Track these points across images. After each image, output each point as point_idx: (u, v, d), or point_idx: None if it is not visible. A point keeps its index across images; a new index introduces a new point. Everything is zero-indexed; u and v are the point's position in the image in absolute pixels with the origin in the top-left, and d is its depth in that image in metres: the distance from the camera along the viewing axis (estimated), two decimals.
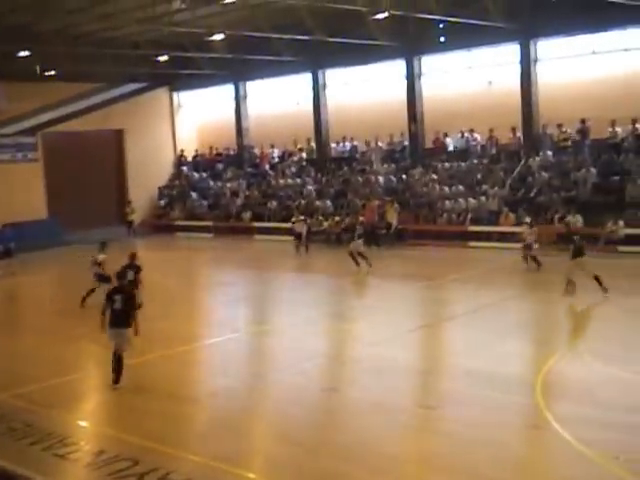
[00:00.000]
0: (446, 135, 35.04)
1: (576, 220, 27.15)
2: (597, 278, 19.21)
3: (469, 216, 30.92)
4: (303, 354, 15.60)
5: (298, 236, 31.49)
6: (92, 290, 20.65)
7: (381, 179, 35.58)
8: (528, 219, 26.20)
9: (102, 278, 20.39)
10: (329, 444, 10.88)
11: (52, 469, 10.38)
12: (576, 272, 19.39)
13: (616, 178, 29.19)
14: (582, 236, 20.83)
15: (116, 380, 13.73)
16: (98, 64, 36.32)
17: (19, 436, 11.62)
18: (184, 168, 44.57)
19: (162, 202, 43.25)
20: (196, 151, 44.89)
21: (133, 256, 18.96)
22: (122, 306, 13.83)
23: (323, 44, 33.63)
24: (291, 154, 40.73)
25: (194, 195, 42.12)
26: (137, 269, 18.72)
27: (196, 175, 43.84)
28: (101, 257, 21.42)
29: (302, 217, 32.40)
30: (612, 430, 10.60)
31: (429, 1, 28.83)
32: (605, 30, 30.26)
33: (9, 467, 7.94)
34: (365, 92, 37.77)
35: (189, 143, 45.11)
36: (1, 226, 34.00)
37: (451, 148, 35.00)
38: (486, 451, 10.12)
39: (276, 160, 41.27)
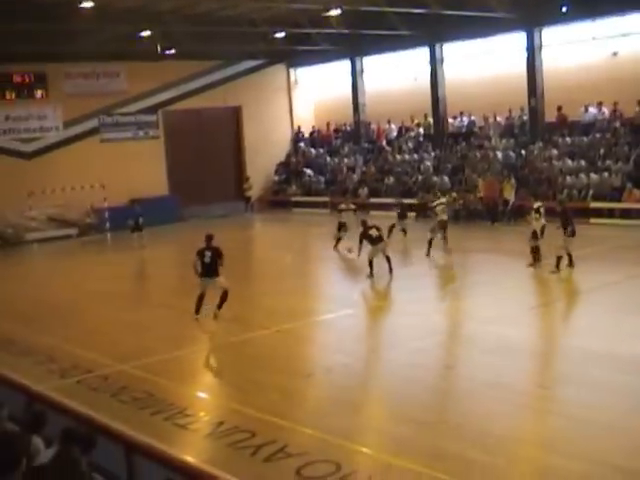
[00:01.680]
0: (571, 109, 34.02)
1: None
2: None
3: (590, 192, 30.04)
4: (419, 331, 15.50)
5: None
6: None
7: (499, 155, 34.93)
8: None
9: None
10: (443, 422, 10.80)
11: (173, 438, 10.66)
12: None
13: None
14: None
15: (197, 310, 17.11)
16: (216, 42, 36.81)
17: (141, 405, 11.99)
18: (301, 144, 44.85)
19: (279, 178, 43.68)
20: (313, 127, 45.09)
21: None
22: (210, 260, 16.88)
23: (440, 17, 33.14)
24: (408, 130, 40.42)
25: (310, 171, 42.35)
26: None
27: (313, 151, 44.06)
28: None
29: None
30: None
31: None
32: None
33: (133, 435, 8.18)
34: (483, 66, 37.07)
35: (306, 119, 45.34)
36: (129, 201, 35.05)
37: (581, 121, 33.87)
38: (606, 436, 9.84)
39: (393, 136, 41.03)
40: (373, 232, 21.13)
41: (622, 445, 9.55)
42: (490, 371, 12.64)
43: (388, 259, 21.04)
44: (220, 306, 17.15)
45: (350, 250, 23.59)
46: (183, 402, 12.09)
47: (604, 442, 9.64)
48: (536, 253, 21.07)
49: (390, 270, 20.87)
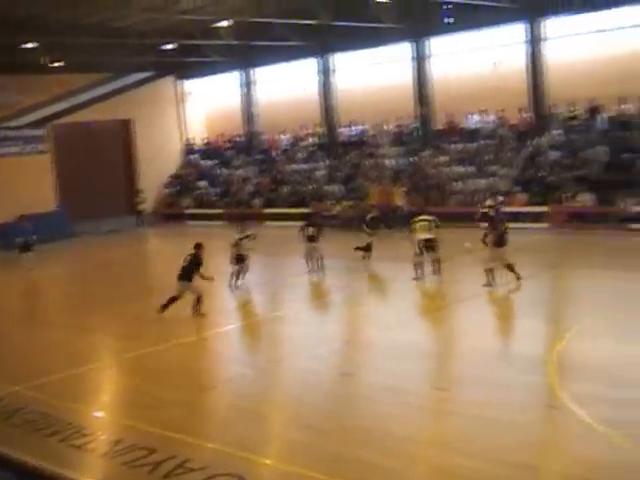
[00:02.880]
0: (459, 117, 34.87)
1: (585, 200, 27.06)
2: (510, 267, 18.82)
3: (479, 197, 30.79)
4: (318, 339, 15.60)
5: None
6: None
7: (390, 162, 35.49)
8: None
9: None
10: (344, 428, 10.89)
11: (69, 460, 10.42)
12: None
13: (627, 155, 29.04)
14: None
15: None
16: (105, 54, 36.30)
17: (36, 427, 11.67)
18: (193, 156, 44.58)
19: (171, 191, 43.25)
20: (205, 139, 44.89)
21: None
22: (187, 265, 17.97)
23: (330, 28, 33.55)
24: (300, 139, 40.66)
25: (203, 183, 42.13)
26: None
27: (205, 163, 43.85)
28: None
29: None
30: (627, 408, 10.58)
31: None
32: (611, 7, 30.10)
33: (27, 460, 7.95)
34: (373, 75, 37.64)
35: (198, 131, 45.13)
36: (18, 218, 33.92)
37: (467, 128, 34.75)
38: (502, 432, 10.11)
39: (286, 146, 41.20)
40: (309, 231, 22.73)
41: (508, 440, 9.83)
42: (389, 375, 12.81)
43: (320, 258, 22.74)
44: (195, 309, 17.98)
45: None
46: (80, 422, 11.82)
47: (500, 439, 9.91)
48: (419, 268, 20.79)
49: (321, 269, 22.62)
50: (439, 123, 35.84)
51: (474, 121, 34.47)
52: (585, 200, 27.42)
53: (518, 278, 18.68)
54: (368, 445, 10.09)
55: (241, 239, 21.70)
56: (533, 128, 32.57)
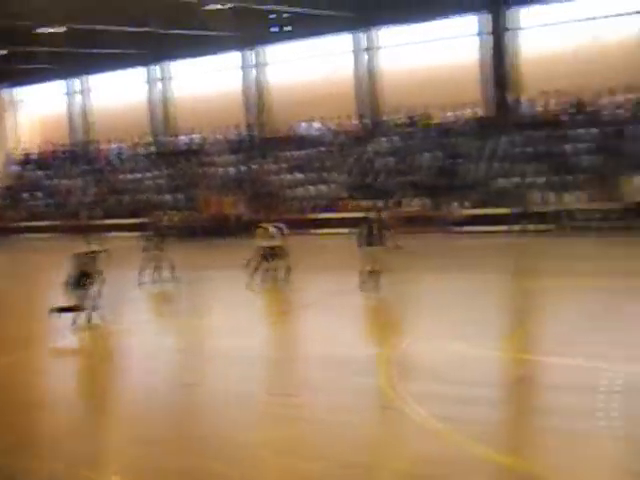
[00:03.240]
0: (294, 124, 35.32)
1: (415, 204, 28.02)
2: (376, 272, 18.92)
3: (313, 203, 31.32)
4: (157, 350, 15.43)
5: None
6: None
7: (226, 170, 35.54)
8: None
9: None
10: (187, 440, 10.82)
11: None
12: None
13: (456, 161, 30.28)
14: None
15: None
16: None
17: None
18: (21, 167, 43.07)
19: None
20: (33, 148, 43.46)
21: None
22: None
23: (161, 37, 33.31)
24: (134, 148, 40.09)
25: (31, 194, 40.73)
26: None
27: (35, 173, 42.46)
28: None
29: None
30: (455, 404, 11.05)
31: None
32: (436, 19, 31.36)
33: None
34: (207, 84, 37.61)
35: (28, 140, 43.65)
36: None
37: (300, 135, 35.25)
38: (343, 435, 10.32)
39: (119, 155, 40.50)
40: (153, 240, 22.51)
41: (347, 441, 10.10)
42: (232, 383, 12.82)
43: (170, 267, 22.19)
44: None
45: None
46: None
47: (340, 441, 10.13)
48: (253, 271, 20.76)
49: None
50: (273, 131, 36.18)
51: (308, 129, 34.99)
52: (415, 204, 28.35)
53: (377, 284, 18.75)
54: (212, 455, 10.08)
55: (91, 253, 17.96)
56: (366, 135, 33.41)
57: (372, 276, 18.83)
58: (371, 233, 19.07)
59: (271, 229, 21.13)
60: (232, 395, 12.22)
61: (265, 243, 20.83)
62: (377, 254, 18.92)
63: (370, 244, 18.91)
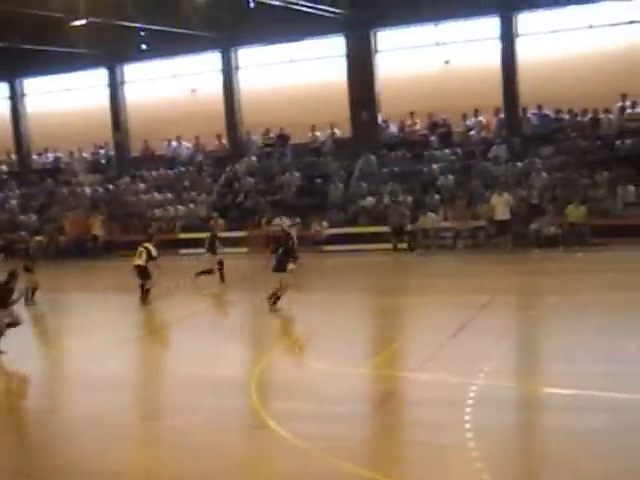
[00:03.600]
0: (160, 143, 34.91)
1: (282, 223, 28.04)
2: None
3: (179, 223, 30.98)
4: (13, 377, 14.82)
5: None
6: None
7: (87, 190, 34.73)
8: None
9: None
10: (45, 469, 10.42)
11: None
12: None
13: (318, 180, 30.58)
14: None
15: None
16: None
17: None
18: None
19: None
20: None
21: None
22: None
23: (20, 52, 32.24)
24: None
25: None
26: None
27: None
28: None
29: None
30: (325, 422, 11.08)
31: (129, 8, 28.57)
32: (299, 40, 31.72)
33: None
34: (68, 101, 36.74)
35: None
36: None
37: (165, 155, 34.85)
38: (209, 457, 10.16)
39: None
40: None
41: (212, 463, 9.95)
42: (92, 408, 12.41)
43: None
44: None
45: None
46: None
47: (205, 464, 9.96)
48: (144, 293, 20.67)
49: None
50: (136, 150, 35.67)
51: (172, 148, 34.67)
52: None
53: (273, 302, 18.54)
54: None
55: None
56: (230, 154, 33.36)
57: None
58: None
59: (140, 248, 20.76)
60: (95, 421, 11.83)
61: (136, 262, 20.64)
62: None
63: None
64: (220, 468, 9.80)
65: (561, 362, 11.84)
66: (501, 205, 25.92)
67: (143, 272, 20.55)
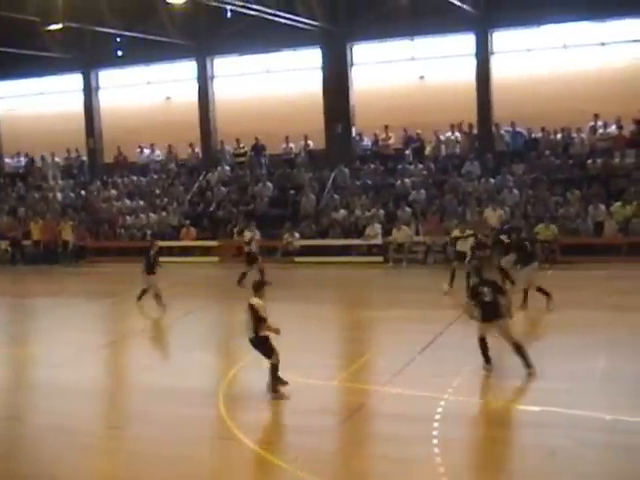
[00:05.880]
0: (132, 150, 34.75)
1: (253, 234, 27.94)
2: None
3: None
4: None
5: None
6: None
7: (59, 195, 34.48)
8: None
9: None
10: (12, 475, 10.29)
11: None
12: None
13: (291, 192, 30.58)
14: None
15: None
16: None
17: None
18: None
19: None
20: None
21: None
22: None
23: None
24: None
25: None
26: None
27: None
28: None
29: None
30: (291, 434, 11.05)
31: (105, 14, 28.49)
32: (275, 51, 31.82)
33: None
34: (41, 105, 36.53)
35: None
36: None
37: (138, 162, 34.71)
38: (172, 467, 10.09)
39: None
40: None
41: (178, 473, 9.89)
42: (56, 416, 12.30)
43: None
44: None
45: None
46: None
47: (170, 474, 9.90)
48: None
49: None
50: (109, 156, 35.51)
51: (144, 155, 34.54)
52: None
53: None
54: None
55: None
56: (203, 163, 33.30)
57: None
58: None
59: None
60: (60, 429, 11.72)
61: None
62: None
63: None
64: (183, 477, 9.74)
65: (527, 379, 11.90)
66: (495, 220, 25.87)
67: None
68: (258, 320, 12.41)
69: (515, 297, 16.56)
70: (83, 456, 10.86)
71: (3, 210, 34.66)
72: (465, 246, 20.79)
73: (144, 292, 20.32)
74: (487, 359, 13.01)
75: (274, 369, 12.40)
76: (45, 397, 13.54)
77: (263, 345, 12.56)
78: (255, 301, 12.46)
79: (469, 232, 21.23)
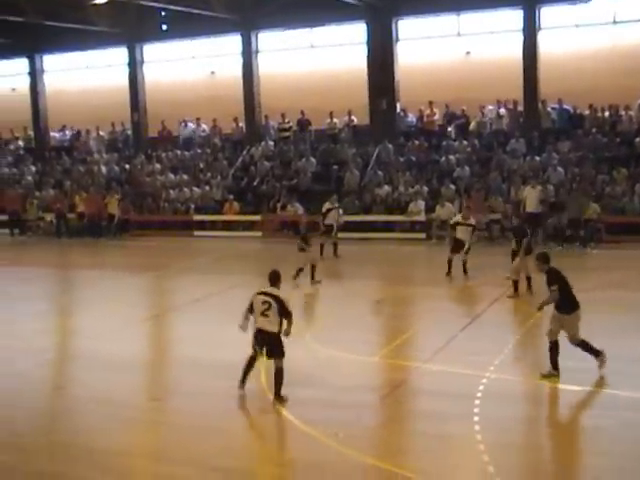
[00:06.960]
0: (177, 125, 34.87)
1: (296, 209, 28.05)
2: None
3: (193, 205, 30.98)
4: (23, 352, 14.86)
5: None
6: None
7: (103, 169, 34.78)
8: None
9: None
10: (54, 445, 10.47)
11: None
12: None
13: (335, 167, 30.51)
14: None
15: None
16: None
17: None
18: None
19: None
20: None
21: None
22: None
23: (40, 28, 32.30)
24: (7, 143, 38.74)
25: None
26: None
27: None
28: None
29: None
30: (332, 409, 11.08)
31: None
32: (320, 25, 31.66)
33: None
34: (87, 79, 36.81)
35: None
36: None
37: (182, 136, 34.86)
38: (215, 440, 10.19)
39: None
40: None
41: (218, 446, 9.97)
42: (100, 388, 12.46)
43: None
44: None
45: None
46: None
47: (212, 446, 9.99)
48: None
49: None
50: (153, 130, 35.69)
51: (188, 129, 34.66)
52: (296, 209, 28.36)
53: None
54: (80, 461, 9.79)
55: None
56: (247, 138, 33.33)
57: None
58: None
59: None
60: (103, 400, 11.87)
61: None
62: None
63: None
64: (224, 449, 9.83)
65: (571, 359, 11.79)
66: (534, 198, 25.39)
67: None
68: (287, 315, 11.35)
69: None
70: (124, 428, 10.99)
71: (49, 183, 35.02)
72: (465, 235, 19.80)
73: (300, 270, 19.61)
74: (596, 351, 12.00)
75: (282, 373, 11.23)
76: (87, 369, 13.73)
77: (281, 343, 11.39)
78: (278, 292, 11.50)
79: (471, 222, 20.12)
